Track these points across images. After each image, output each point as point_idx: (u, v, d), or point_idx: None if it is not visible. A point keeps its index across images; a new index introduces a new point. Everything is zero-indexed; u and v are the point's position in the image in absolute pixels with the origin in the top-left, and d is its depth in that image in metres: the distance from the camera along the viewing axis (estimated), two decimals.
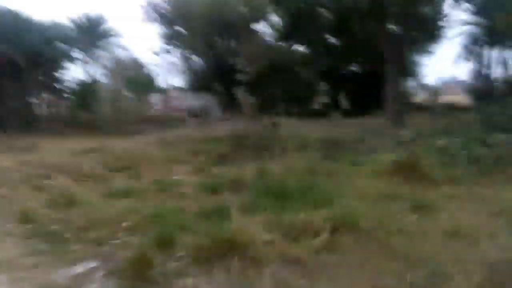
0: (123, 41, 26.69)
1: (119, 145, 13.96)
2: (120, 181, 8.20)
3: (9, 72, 23.87)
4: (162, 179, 7.87)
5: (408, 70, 26.65)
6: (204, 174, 8.53)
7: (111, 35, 27.00)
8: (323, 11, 20.81)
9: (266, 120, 10.53)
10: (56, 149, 12.76)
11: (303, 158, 8.37)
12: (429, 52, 28.43)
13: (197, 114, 32.80)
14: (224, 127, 18.12)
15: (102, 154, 10.87)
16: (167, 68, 38.78)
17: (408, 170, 6.36)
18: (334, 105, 31.82)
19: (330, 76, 32.20)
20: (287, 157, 8.76)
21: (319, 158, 8.41)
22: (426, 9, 20.91)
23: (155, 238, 4.06)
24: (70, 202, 5.84)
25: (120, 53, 25.70)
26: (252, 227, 4.11)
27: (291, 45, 31.28)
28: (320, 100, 34.82)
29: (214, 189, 6.75)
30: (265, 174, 7.27)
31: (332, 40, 29.38)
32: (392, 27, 20.58)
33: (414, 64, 28.56)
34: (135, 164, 9.60)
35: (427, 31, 23.72)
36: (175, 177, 8.06)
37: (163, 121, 27.68)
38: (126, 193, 6.70)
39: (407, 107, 23.64)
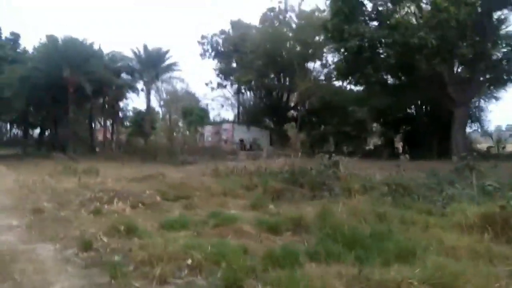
0: (182, 74, 27.69)
1: (174, 173, 14.12)
2: (176, 211, 8.04)
3: (76, 98, 25.62)
4: (218, 212, 7.54)
5: (474, 115, 25.16)
6: (262, 210, 8.11)
7: (173, 69, 28.32)
8: (385, 50, 20.32)
9: (324, 157, 9.92)
10: (114, 174, 13.07)
11: (369, 202, 7.71)
12: (496, 98, 26.74)
13: (248, 147, 32.99)
14: (276, 161, 17.88)
15: (158, 182, 10.86)
16: (220, 102, 40.11)
17: (500, 226, 5.52)
18: (389, 146, 30.60)
19: (385, 117, 31.22)
20: (350, 199, 8.14)
21: (388, 203, 7.70)
22: (497, 52, 19.82)
23: (221, 282, 3.66)
24: (129, 230, 5.65)
25: (179, 86, 26.66)
26: (331, 281, 3.59)
27: (346, 84, 30.67)
28: (373, 140, 33.67)
29: (274, 228, 6.29)
30: (328, 216, 6.71)
31: (391, 79, 28.53)
32: (459, 69, 19.73)
33: (480, 109, 26.88)
34: (191, 194, 9.44)
35: (496, 75, 22.31)
36: (232, 212, 7.71)
37: (215, 153, 28.02)
38: (183, 225, 6.45)
39: (474, 153, 22.11)
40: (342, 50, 22.95)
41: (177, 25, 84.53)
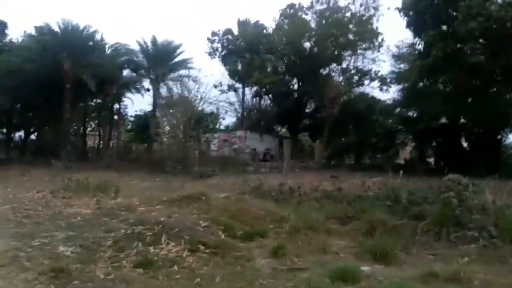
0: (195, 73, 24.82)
1: (205, 191, 11.39)
2: (263, 261, 5.38)
3: (72, 96, 22.62)
4: (342, 268, 4.87)
5: None
6: (393, 262, 5.46)
7: (185, 67, 25.48)
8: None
9: (451, 178, 7.31)
10: (133, 191, 10.29)
11: None
12: None
13: (261, 158, 30.27)
14: (320, 178, 15.22)
15: (205, 205, 8.12)
16: (232, 107, 37.36)
17: None
18: (422, 160, 28.22)
19: (414, 127, 28.76)
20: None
21: None
22: None
23: None
24: None
25: (191, 86, 23.89)
26: None
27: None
28: (403, 153, 31.30)
29: None
30: None
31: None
32: None
33: None
34: (265, 228, 6.76)
35: None
36: (363, 268, 5.01)
37: (228, 163, 25.23)
38: None
39: None
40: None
41: (181, 20, 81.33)
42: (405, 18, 17.87)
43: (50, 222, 6.03)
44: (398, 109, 28.60)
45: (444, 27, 17.00)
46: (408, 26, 18.26)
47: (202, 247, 5.73)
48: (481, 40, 15.50)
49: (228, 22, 74.98)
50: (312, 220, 7.04)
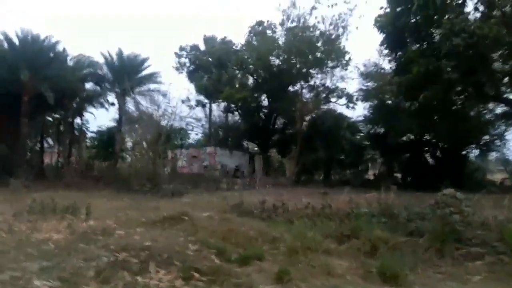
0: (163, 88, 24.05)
1: (184, 210, 10.69)
2: (264, 286, 4.92)
3: (30, 110, 21.10)
4: None
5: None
6: (404, 283, 5.16)
7: (153, 81, 24.64)
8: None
9: (445, 192, 7.22)
10: (106, 213, 9.45)
11: None
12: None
13: (231, 174, 29.65)
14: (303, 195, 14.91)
15: (190, 226, 7.53)
16: (199, 123, 36.65)
17: None
18: (389, 175, 28.77)
19: (382, 144, 29.45)
20: None
21: None
22: None
23: None
24: None
25: (159, 101, 23.09)
26: None
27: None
28: (371, 168, 31.84)
29: None
30: None
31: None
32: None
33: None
34: (260, 251, 6.27)
35: None
36: None
37: (198, 180, 24.42)
38: None
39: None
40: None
41: (147, 35, 79.83)
42: (382, 34, 18.19)
43: (19, 251, 5.21)
44: (365, 126, 29.21)
45: (424, 44, 17.45)
46: (383, 43, 18.64)
47: (196, 275, 5.15)
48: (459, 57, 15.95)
49: (194, 38, 74.62)
50: (309, 240, 6.64)
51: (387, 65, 24.06)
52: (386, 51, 21.00)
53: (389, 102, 25.85)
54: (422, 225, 7.08)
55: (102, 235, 6.58)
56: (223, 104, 33.45)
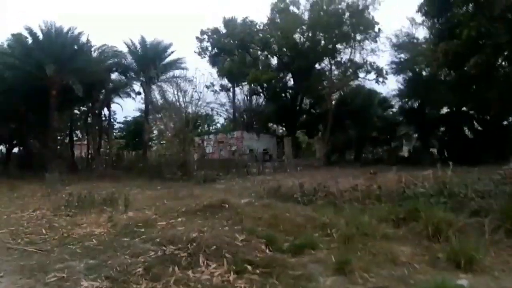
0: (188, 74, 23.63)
1: (214, 195, 10.41)
2: (328, 281, 4.50)
3: (59, 104, 21.25)
4: (406, 278, 4.04)
5: None
6: (481, 270, 4.64)
7: (178, 67, 24.29)
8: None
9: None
10: (142, 203, 9.26)
11: None
12: None
13: (262, 158, 29.28)
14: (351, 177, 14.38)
15: (232, 214, 7.20)
16: (223, 108, 36.30)
17: None
18: (425, 151, 27.63)
19: (417, 118, 28.19)
20: None
21: None
22: None
23: None
24: None
25: (185, 87, 22.75)
26: None
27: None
28: (404, 145, 30.75)
29: None
30: None
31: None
32: None
33: None
34: (312, 239, 5.85)
35: None
36: (461, 282, 4.16)
37: (227, 166, 24.19)
38: None
39: None
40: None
41: (165, 21, 79.64)
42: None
43: (61, 249, 5.00)
44: (400, 100, 28.02)
45: (470, 6, 16.07)
46: (420, 9, 17.38)
47: (249, 267, 4.81)
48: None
49: (214, 21, 73.81)
50: (364, 225, 6.16)
51: (421, 34, 22.78)
52: (420, 20, 19.75)
53: (424, 73, 24.55)
54: (486, 204, 6.45)
55: (144, 227, 6.35)
56: (246, 87, 32.88)
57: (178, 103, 23.55)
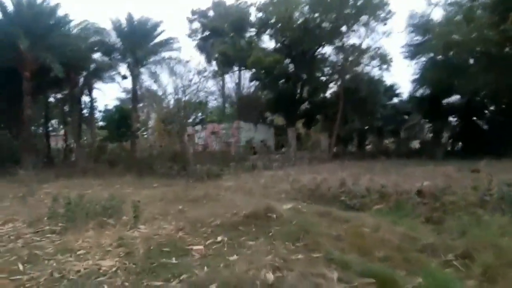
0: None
1: (229, 195, 8.43)
2: None
3: (33, 88, 18.68)
4: None
5: None
6: None
7: (169, 47, 21.87)
8: None
9: None
10: (153, 208, 7.19)
11: None
12: None
13: (260, 150, 27.33)
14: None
15: (285, 229, 5.26)
16: (212, 96, 33.96)
17: None
18: (438, 143, 26.20)
19: (433, 107, 26.44)
20: None
21: None
22: None
23: None
24: None
25: (178, 70, 20.50)
26: None
27: None
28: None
29: None
30: None
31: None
32: None
33: None
34: (424, 267, 3.98)
35: None
36: None
37: (224, 159, 22.12)
38: None
39: None
40: None
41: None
42: None
43: None
44: (414, 87, 26.34)
45: None
46: None
47: None
48: None
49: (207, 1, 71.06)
50: (507, 250, 4.30)
51: (438, 15, 21.06)
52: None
53: (440, 57, 22.90)
54: None
55: (174, 255, 4.32)
56: (237, 74, 30.68)
57: (171, 88, 21.38)
